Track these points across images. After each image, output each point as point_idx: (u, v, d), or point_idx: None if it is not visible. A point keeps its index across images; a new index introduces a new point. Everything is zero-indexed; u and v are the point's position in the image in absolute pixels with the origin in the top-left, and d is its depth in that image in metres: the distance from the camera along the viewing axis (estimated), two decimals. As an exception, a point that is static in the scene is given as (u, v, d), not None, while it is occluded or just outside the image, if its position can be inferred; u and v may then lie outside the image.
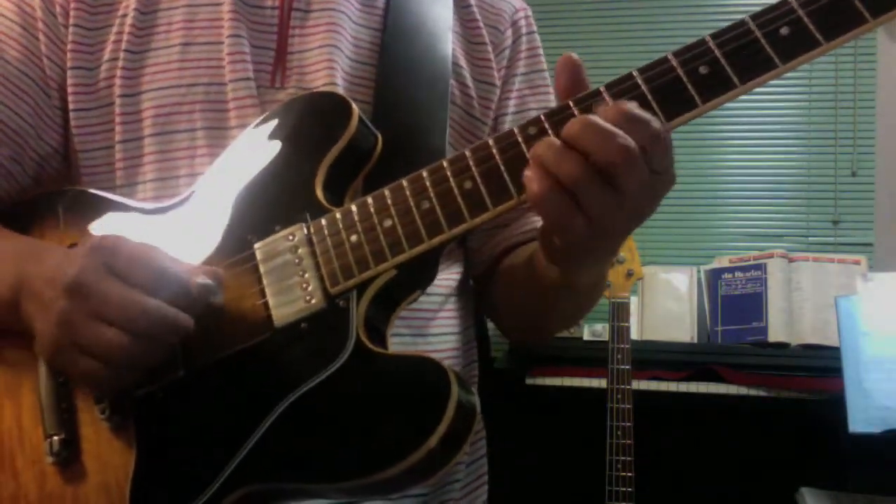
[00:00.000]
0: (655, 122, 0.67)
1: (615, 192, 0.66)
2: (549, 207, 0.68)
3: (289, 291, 0.77)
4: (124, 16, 0.92)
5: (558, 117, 0.71)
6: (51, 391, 0.80)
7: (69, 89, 0.91)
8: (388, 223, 0.75)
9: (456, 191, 0.73)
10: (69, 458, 0.79)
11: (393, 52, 0.93)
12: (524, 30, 1.05)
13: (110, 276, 0.71)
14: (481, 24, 1.01)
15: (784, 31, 0.67)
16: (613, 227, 0.70)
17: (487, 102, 1.00)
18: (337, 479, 0.72)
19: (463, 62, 0.98)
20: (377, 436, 0.71)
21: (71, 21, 0.92)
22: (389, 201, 0.75)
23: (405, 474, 0.69)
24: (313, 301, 0.76)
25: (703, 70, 0.68)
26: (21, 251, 0.82)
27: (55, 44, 0.92)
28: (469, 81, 0.98)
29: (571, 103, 0.71)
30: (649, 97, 0.69)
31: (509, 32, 1.03)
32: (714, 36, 0.69)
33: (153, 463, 0.76)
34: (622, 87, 0.70)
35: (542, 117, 0.72)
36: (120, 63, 0.91)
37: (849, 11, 0.66)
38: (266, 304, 0.77)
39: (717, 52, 0.68)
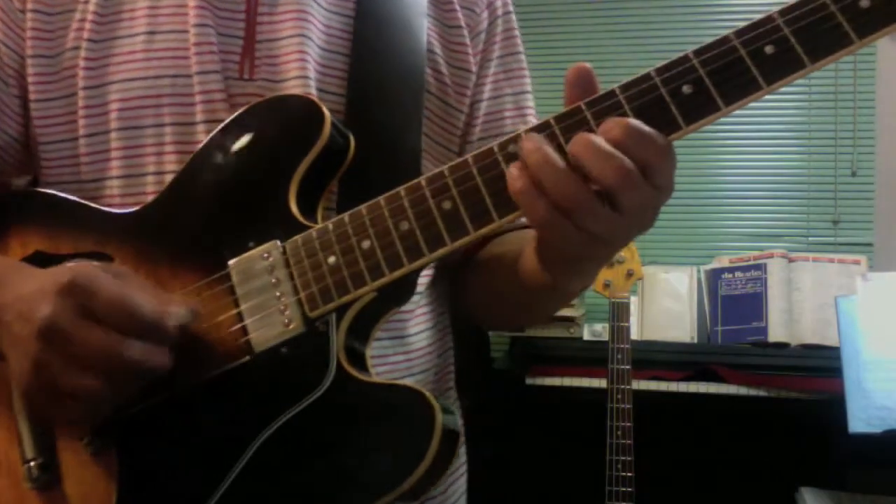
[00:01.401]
0: (661, 138, 0.65)
1: (616, 212, 0.65)
2: (550, 229, 0.67)
3: (267, 315, 0.75)
4: (86, 1, 0.87)
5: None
6: (27, 414, 0.78)
7: (29, 78, 0.86)
8: (366, 244, 0.73)
9: (435, 212, 0.71)
10: (49, 482, 0.77)
11: (366, 40, 0.89)
12: (500, 10, 1.00)
13: (85, 319, 0.68)
14: (457, 6, 0.96)
15: (769, 49, 0.65)
16: (616, 241, 0.69)
17: (463, 90, 0.96)
18: None
19: (438, 48, 0.94)
20: (365, 467, 0.71)
21: (29, 6, 0.86)
22: (367, 221, 0.73)
23: (392, 501, 0.70)
24: (292, 325, 0.74)
25: (686, 90, 0.66)
26: None
27: (12, 30, 0.87)
28: (444, 68, 0.94)
29: (552, 121, 0.69)
30: (631, 117, 0.66)
31: (485, 14, 0.98)
32: (697, 53, 0.66)
33: (136, 490, 0.75)
34: (604, 106, 0.67)
35: (523, 136, 0.69)
36: (83, 53, 0.86)
37: (835, 31, 0.64)
38: (244, 329, 0.75)
39: (702, 71, 0.66)
